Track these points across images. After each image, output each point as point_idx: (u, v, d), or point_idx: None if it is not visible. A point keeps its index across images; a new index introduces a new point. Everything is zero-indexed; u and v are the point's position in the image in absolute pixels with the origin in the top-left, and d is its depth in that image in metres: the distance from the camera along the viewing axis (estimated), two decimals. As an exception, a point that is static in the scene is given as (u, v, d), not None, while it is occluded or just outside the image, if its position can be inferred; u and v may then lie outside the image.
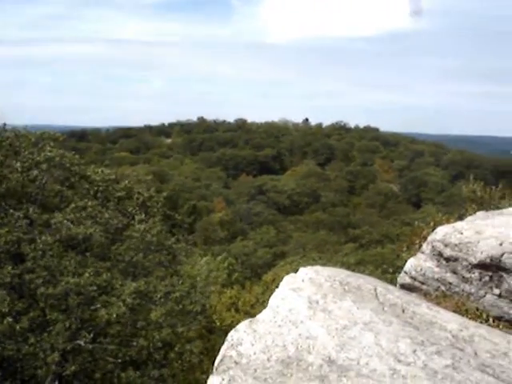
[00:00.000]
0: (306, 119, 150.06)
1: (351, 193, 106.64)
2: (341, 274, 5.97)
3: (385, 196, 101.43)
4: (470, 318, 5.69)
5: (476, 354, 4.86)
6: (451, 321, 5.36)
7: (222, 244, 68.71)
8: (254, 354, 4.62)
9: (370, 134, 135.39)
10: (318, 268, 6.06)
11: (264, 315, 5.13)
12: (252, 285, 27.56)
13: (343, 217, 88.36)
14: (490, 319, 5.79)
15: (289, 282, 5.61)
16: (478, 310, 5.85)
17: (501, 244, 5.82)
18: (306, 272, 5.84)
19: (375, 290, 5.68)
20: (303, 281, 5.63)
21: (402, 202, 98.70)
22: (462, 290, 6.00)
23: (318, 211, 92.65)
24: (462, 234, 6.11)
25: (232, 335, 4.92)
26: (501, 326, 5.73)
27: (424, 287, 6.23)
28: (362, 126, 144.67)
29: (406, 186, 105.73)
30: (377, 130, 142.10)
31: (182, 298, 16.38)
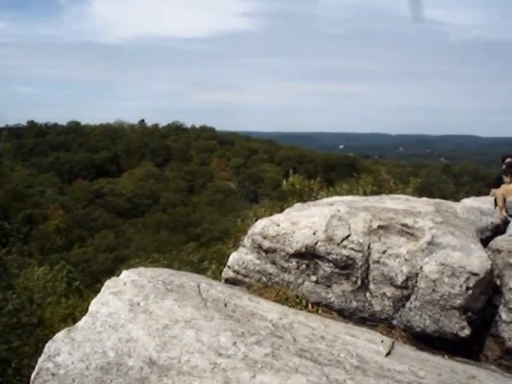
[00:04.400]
0: (142, 120, 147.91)
1: (190, 192, 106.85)
2: (164, 273, 5.94)
3: (223, 194, 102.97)
4: (290, 306, 5.91)
5: (295, 340, 5.05)
6: (272, 310, 5.52)
7: (60, 252, 65.92)
8: (72, 363, 4.45)
9: (206, 134, 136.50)
10: (141, 269, 5.99)
11: (83, 322, 4.96)
12: (91, 293, 26.68)
13: (183, 216, 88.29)
14: (309, 305, 6.05)
15: (109, 286, 5.48)
16: (297, 297, 6.09)
17: (314, 233, 6.11)
18: (128, 274, 5.74)
19: (198, 286, 5.72)
20: (125, 284, 5.53)
21: (240, 198, 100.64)
22: (282, 280, 6.21)
23: (158, 212, 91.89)
24: (279, 225, 6.33)
25: (49, 346, 4.71)
26: (319, 311, 6.01)
27: (247, 280, 6.38)
28: (198, 125, 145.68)
29: (243, 182, 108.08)
30: (213, 129, 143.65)
31: (17, 311, 15.50)
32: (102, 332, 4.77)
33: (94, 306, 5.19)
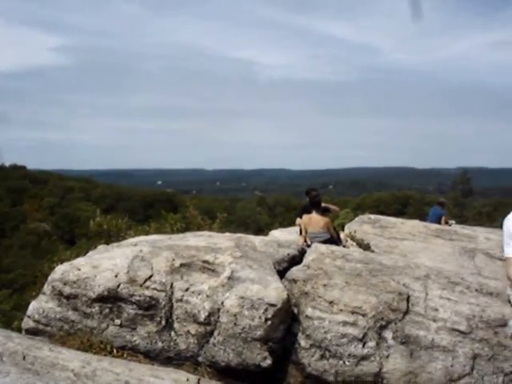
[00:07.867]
0: None
1: (1, 236, 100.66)
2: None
3: (37, 236, 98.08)
4: (94, 353, 5.77)
5: (97, 387, 4.93)
6: (73, 359, 5.35)
7: None
8: None
9: (16, 173, 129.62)
10: None
11: None
12: None
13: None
14: (114, 350, 5.94)
15: None
16: (102, 343, 5.96)
17: (116, 275, 6.05)
18: None
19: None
20: None
21: (56, 240, 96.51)
22: (85, 326, 6.05)
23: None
24: (79, 270, 6.18)
25: None
26: (125, 355, 5.93)
27: (48, 329, 6.13)
28: (7, 164, 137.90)
29: (58, 223, 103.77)
30: (24, 167, 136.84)
31: None
32: None
33: None
